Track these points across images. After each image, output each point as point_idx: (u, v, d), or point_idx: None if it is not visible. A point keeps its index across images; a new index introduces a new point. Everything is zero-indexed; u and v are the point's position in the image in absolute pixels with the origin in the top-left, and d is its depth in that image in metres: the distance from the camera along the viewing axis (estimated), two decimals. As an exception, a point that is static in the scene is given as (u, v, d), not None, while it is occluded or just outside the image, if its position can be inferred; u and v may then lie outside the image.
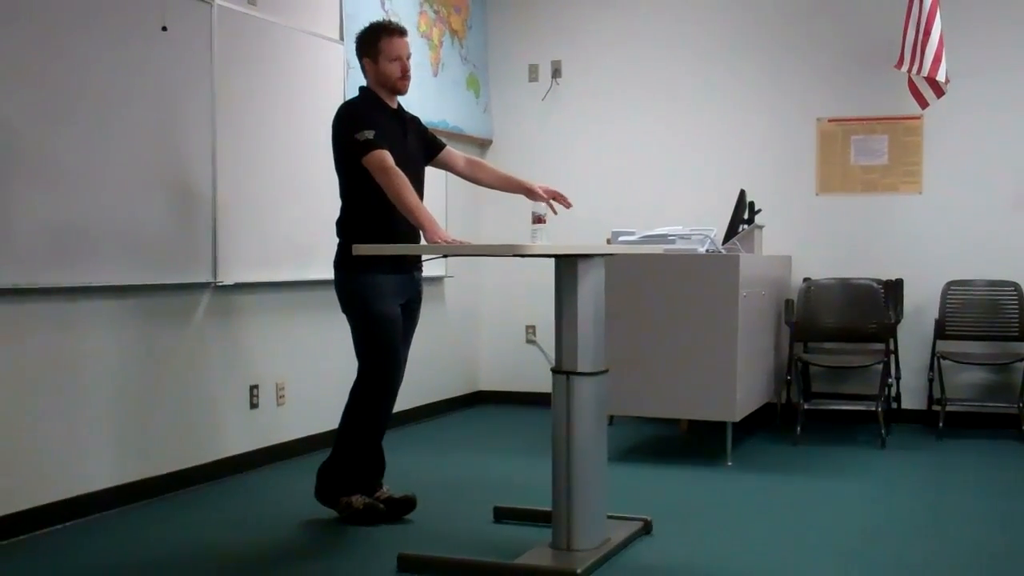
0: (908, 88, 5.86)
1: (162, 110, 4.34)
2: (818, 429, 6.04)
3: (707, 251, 5.22)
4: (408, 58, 4.02)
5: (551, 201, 4.08)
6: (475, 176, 4.32)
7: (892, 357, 5.97)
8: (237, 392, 4.85)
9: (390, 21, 4.14)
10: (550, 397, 3.54)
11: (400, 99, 4.10)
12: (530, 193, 4.09)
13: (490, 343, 7.23)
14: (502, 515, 4.07)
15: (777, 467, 5.09)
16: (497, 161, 6.51)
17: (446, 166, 4.30)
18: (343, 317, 4.00)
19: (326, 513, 4.07)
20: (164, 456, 4.42)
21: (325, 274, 4.05)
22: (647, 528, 3.85)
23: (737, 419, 5.09)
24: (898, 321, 6.08)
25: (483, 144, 7.13)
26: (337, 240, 4.00)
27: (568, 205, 4.10)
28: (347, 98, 4.90)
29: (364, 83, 4.07)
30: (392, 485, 4.16)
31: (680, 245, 5.22)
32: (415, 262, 4.11)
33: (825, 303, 6.11)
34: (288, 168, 5.07)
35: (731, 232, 5.72)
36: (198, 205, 4.53)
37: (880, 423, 5.64)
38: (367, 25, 4.07)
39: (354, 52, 4.10)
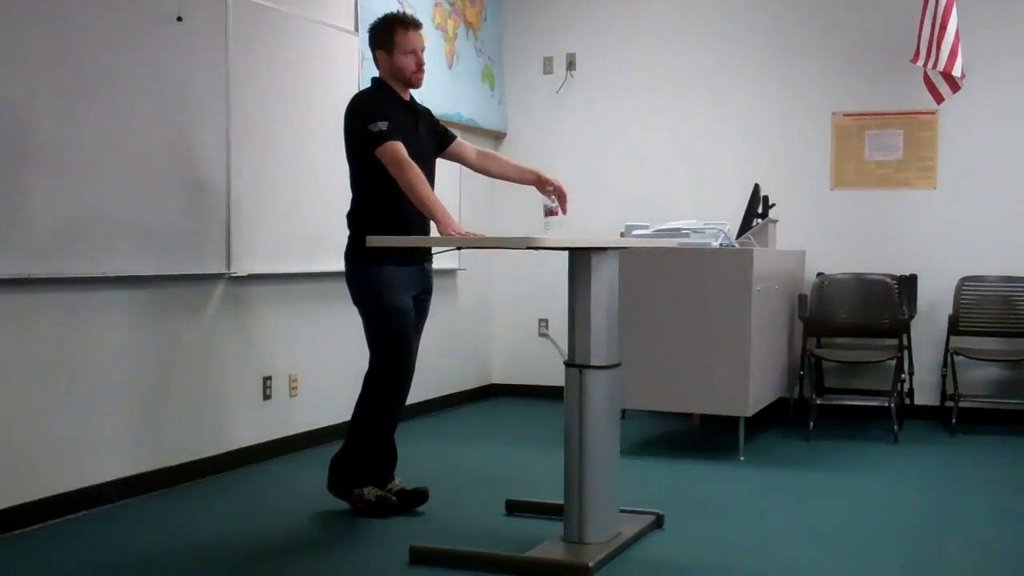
0: (923, 83, 5.82)
1: (176, 101, 4.34)
2: (831, 424, 6.02)
3: (721, 245, 5.20)
4: (423, 51, 4.01)
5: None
6: (486, 168, 4.30)
7: (905, 353, 5.95)
8: (250, 383, 4.86)
9: (405, 13, 4.12)
10: (563, 390, 3.54)
11: (414, 91, 4.09)
12: (540, 183, 4.08)
13: (503, 336, 7.23)
14: (514, 508, 4.07)
15: (790, 462, 5.08)
16: (511, 154, 6.48)
17: (457, 158, 4.29)
18: (356, 309, 4.01)
19: (338, 505, 4.07)
20: (176, 447, 4.43)
21: (339, 265, 4.05)
22: (659, 522, 3.84)
23: (750, 414, 5.08)
24: (912, 316, 6.05)
25: (497, 136, 7.12)
26: (348, 232, 4.00)
27: (564, 211, 4.03)
28: (361, 89, 4.89)
29: (377, 74, 4.06)
30: (404, 477, 4.16)
31: (694, 239, 5.21)
32: (426, 254, 4.10)
33: (839, 298, 6.09)
34: (302, 159, 5.08)
35: (745, 226, 5.70)
36: (212, 196, 4.53)
37: (893, 419, 5.63)
38: (381, 17, 4.04)
39: (367, 43, 4.09)
